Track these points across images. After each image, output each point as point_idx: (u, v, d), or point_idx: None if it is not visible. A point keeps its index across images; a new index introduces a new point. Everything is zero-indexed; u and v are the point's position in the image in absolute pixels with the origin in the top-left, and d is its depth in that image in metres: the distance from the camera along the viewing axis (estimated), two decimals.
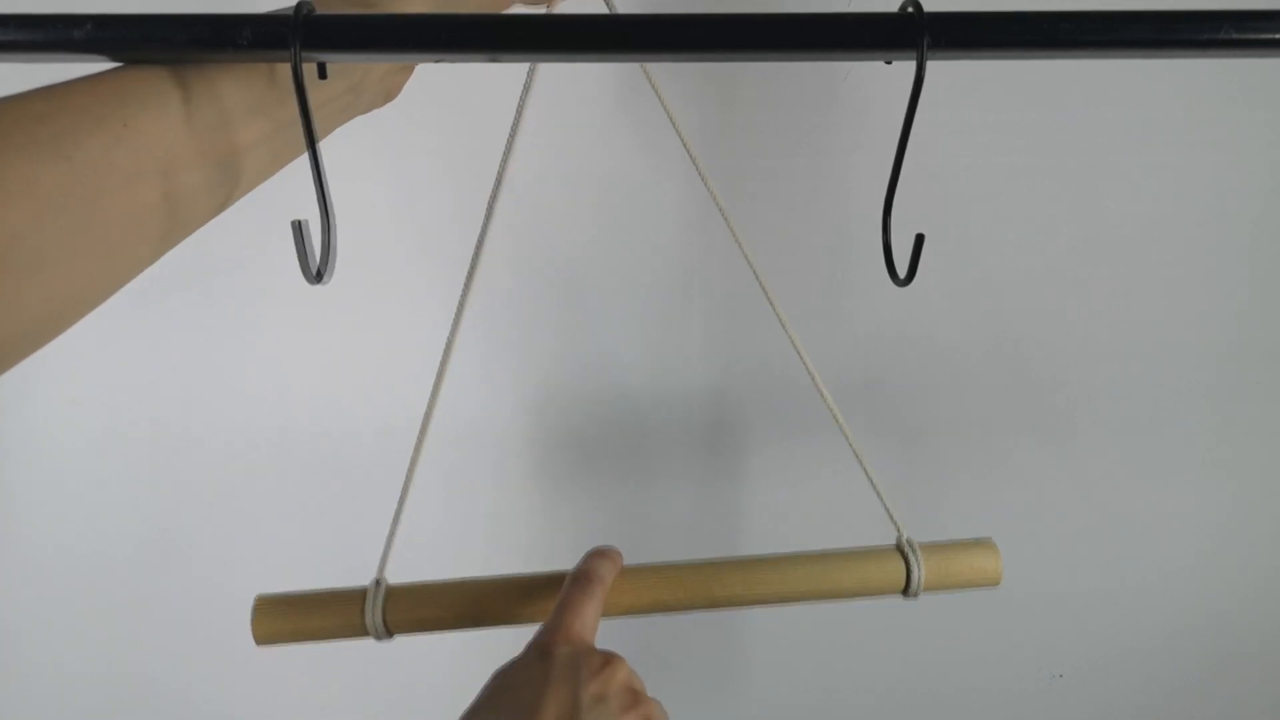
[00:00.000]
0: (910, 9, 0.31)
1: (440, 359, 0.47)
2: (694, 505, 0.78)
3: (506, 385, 0.74)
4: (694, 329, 0.73)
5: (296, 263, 0.33)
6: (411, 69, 0.42)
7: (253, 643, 0.44)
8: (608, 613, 0.43)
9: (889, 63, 0.33)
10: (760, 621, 0.83)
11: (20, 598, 0.80)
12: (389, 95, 0.42)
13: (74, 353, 0.71)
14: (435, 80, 0.50)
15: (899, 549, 0.47)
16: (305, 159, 0.35)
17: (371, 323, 0.71)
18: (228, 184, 0.35)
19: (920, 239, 0.36)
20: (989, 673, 0.85)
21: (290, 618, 0.44)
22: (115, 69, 0.33)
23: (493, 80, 0.53)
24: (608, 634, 0.41)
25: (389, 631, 0.45)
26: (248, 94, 0.34)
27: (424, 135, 0.65)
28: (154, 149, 0.31)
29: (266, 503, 0.77)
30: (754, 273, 0.48)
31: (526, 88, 0.48)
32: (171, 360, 0.72)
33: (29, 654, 0.82)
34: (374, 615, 0.44)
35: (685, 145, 0.47)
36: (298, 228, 0.33)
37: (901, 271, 0.36)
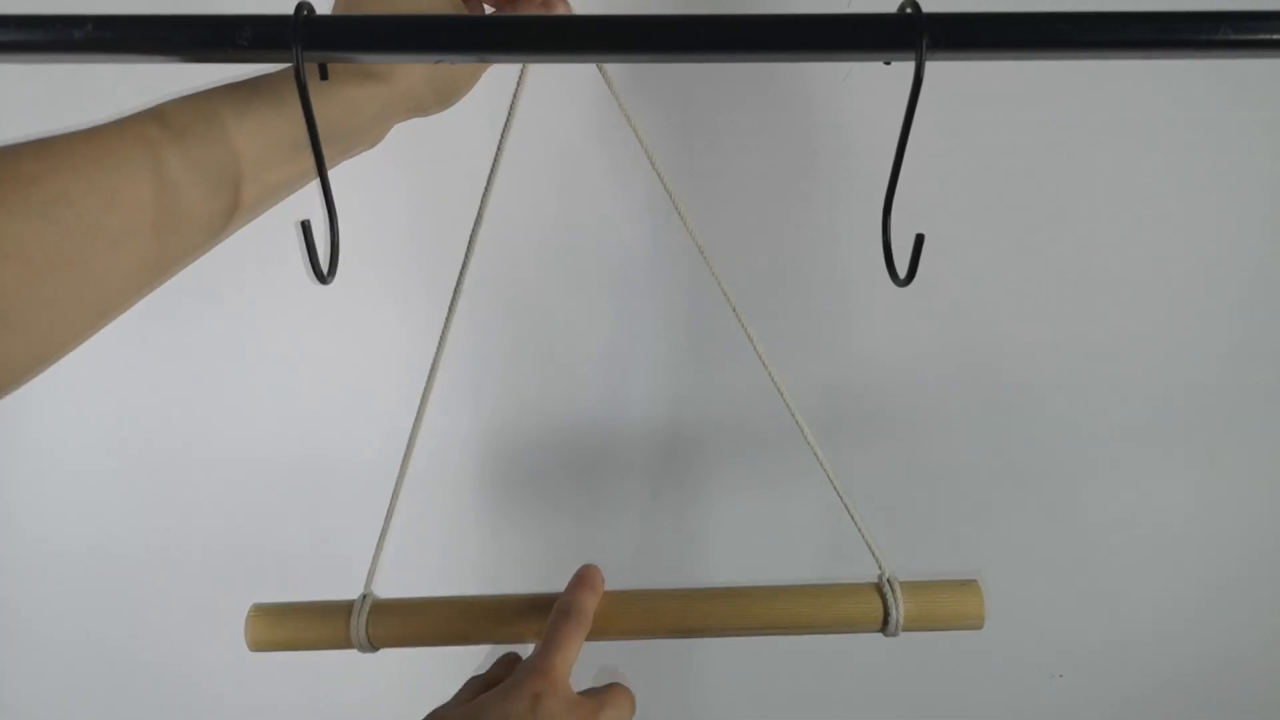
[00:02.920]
0: (909, 9, 0.31)
1: (423, 388, 0.50)
2: (658, 525, 0.77)
3: (464, 409, 0.74)
4: (660, 340, 0.73)
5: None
6: (392, 125, 0.42)
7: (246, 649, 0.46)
8: None
9: (888, 63, 0.33)
10: None
11: (20, 597, 0.80)
12: (374, 142, 0.42)
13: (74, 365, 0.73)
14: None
15: (879, 587, 0.47)
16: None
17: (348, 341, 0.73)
18: (215, 234, 0.35)
19: (920, 239, 0.36)
20: (989, 673, 0.85)
21: (282, 626, 0.46)
22: (116, 123, 0.32)
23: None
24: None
25: (373, 645, 0.46)
26: (244, 162, 0.34)
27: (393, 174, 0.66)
28: (144, 211, 0.31)
29: (264, 517, 0.78)
30: (724, 294, 0.48)
31: (517, 91, 0.48)
32: (173, 377, 0.73)
33: (29, 649, 0.82)
34: (359, 628, 0.45)
35: (648, 155, 0.47)
36: (304, 228, 0.33)
37: (902, 271, 0.37)
